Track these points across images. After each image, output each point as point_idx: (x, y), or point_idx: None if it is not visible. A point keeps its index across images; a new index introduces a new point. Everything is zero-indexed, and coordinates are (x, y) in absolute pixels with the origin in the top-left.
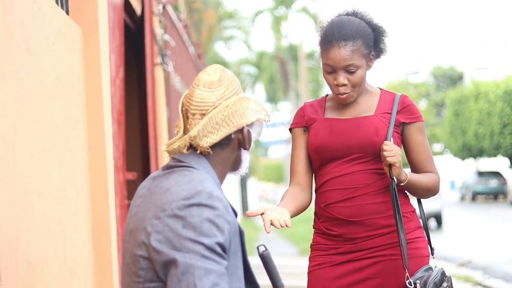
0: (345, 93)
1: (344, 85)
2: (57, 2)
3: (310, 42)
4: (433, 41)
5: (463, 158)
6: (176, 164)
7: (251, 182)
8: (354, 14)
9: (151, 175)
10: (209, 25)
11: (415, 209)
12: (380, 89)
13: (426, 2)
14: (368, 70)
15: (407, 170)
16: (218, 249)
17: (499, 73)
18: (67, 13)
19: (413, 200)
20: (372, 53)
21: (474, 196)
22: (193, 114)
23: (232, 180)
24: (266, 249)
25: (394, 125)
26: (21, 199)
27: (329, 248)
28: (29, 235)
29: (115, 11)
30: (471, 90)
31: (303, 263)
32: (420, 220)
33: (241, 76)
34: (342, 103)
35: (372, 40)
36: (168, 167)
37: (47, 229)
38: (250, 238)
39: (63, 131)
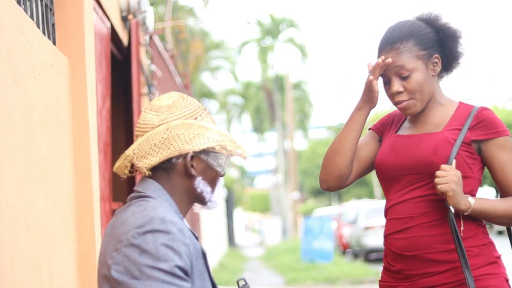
0: (403, 101)
1: (399, 92)
2: (44, 33)
3: (297, 73)
4: None
5: None
6: (134, 195)
7: (237, 212)
8: (418, 18)
9: (116, 210)
10: (195, 55)
11: (489, 241)
12: (460, 102)
13: None
14: (433, 75)
15: (480, 196)
16: (179, 272)
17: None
18: (54, 43)
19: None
20: (436, 55)
21: None
22: (137, 136)
23: (217, 210)
24: (246, 283)
25: (463, 143)
26: (7, 229)
27: (387, 286)
28: (15, 265)
29: (102, 41)
30: None
31: None
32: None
33: (228, 106)
34: (406, 115)
35: (434, 41)
36: (129, 200)
37: (33, 259)
38: (237, 269)
39: (49, 162)
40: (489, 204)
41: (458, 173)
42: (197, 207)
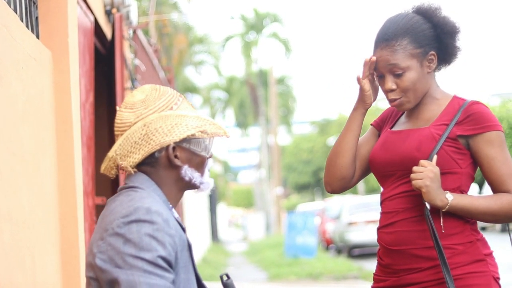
0: (395, 99)
1: (392, 90)
2: (27, 26)
3: (280, 68)
4: None
5: None
6: (124, 186)
7: (221, 208)
8: (417, 9)
9: (108, 199)
10: (179, 49)
11: (477, 239)
12: (454, 96)
13: None
14: (428, 72)
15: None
16: (161, 263)
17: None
18: (38, 37)
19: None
20: (431, 52)
21: None
22: (117, 136)
23: (201, 205)
24: (229, 278)
25: (448, 138)
26: None
27: (378, 280)
28: None
29: (86, 35)
30: None
31: None
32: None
33: (211, 101)
34: (400, 110)
35: (430, 38)
36: (118, 190)
37: (16, 253)
38: (220, 264)
39: (32, 156)
40: (470, 200)
41: (436, 169)
42: (191, 191)
